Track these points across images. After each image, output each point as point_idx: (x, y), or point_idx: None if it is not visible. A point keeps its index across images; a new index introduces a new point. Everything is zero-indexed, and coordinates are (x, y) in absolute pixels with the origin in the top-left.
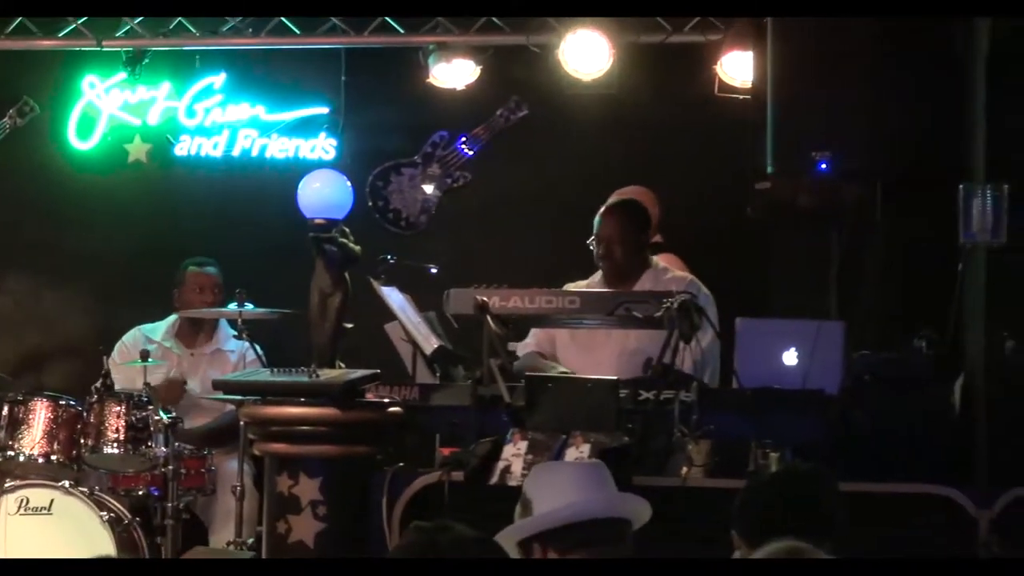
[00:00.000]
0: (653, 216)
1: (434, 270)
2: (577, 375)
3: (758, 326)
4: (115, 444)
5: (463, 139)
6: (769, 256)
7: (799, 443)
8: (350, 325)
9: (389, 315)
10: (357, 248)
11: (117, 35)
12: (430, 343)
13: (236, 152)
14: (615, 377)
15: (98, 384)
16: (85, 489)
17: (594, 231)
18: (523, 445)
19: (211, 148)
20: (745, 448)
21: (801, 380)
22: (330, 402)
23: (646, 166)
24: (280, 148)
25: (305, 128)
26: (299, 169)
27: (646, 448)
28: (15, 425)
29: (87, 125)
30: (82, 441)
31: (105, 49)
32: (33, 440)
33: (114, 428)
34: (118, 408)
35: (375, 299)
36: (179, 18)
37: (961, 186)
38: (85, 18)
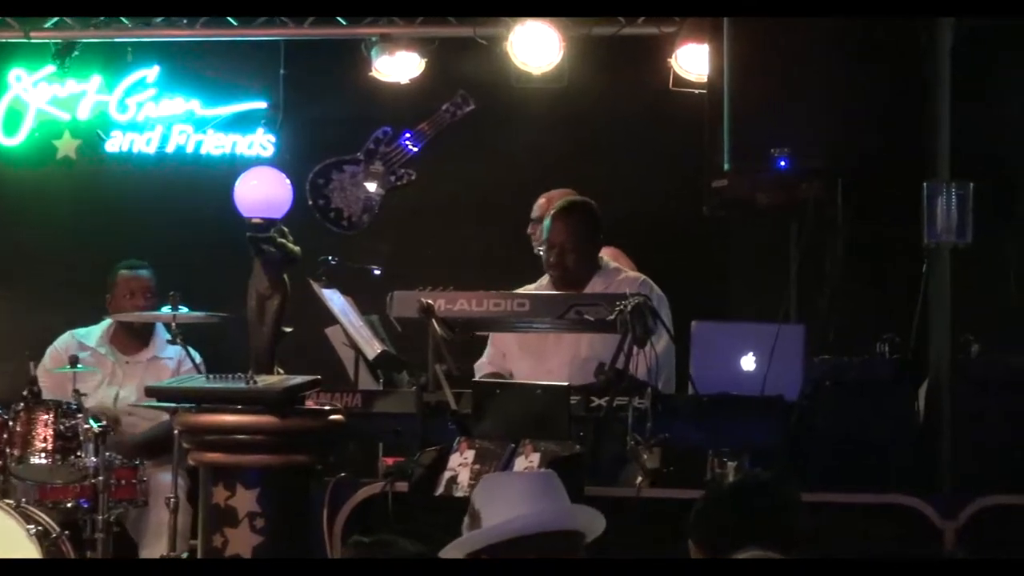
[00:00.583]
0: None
1: (377, 271)
2: (526, 381)
3: (715, 329)
4: (43, 454)
5: (407, 135)
6: (726, 257)
7: (758, 451)
8: (289, 329)
9: (330, 318)
10: (297, 249)
11: (45, 26)
12: (373, 348)
13: (170, 148)
14: (566, 383)
15: (25, 391)
16: (11, 501)
17: (543, 236)
18: (470, 454)
19: (144, 144)
20: (702, 457)
21: (760, 386)
22: (268, 410)
23: (598, 163)
24: (216, 144)
25: (242, 123)
26: (236, 166)
27: (598, 457)
28: None
29: (14, 120)
30: (8, 451)
31: (33, 41)
32: None
33: (42, 437)
34: (46, 416)
35: (315, 302)
36: None
37: (925, 184)
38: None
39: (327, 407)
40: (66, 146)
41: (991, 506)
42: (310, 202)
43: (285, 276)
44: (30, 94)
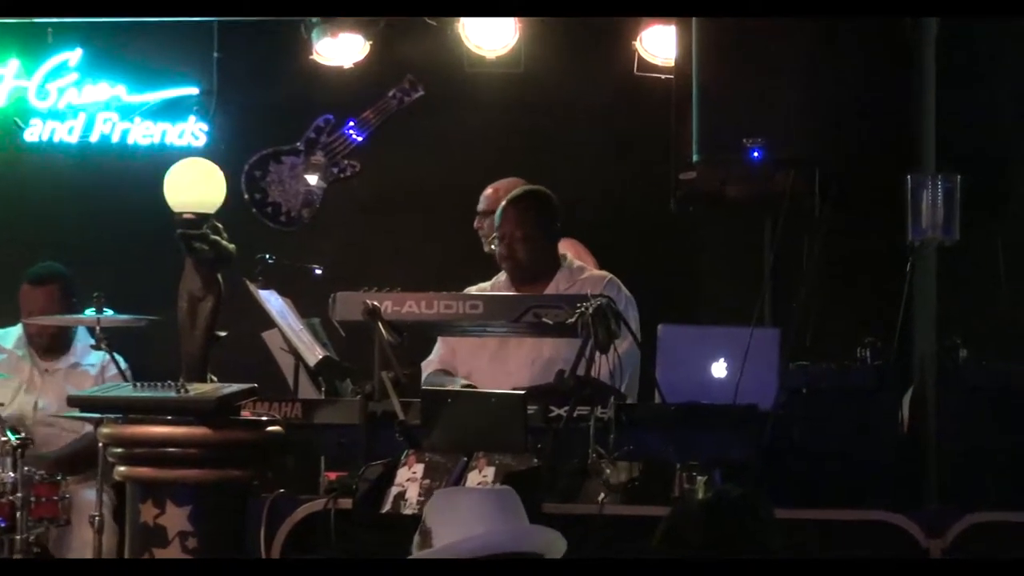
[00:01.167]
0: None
1: (318, 271)
2: (481, 389)
3: (683, 333)
4: None
5: (351, 123)
6: (695, 255)
7: (729, 465)
8: (223, 333)
9: (267, 322)
10: (231, 246)
11: None
12: (314, 353)
13: (94, 138)
14: (523, 391)
15: None
16: None
17: (495, 227)
18: (419, 468)
19: (66, 133)
20: (669, 471)
21: (731, 394)
22: (201, 420)
23: (557, 153)
24: (144, 133)
25: (172, 111)
26: (165, 157)
27: (557, 471)
28: None
29: None
30: None
31: None
32: None
33: None
34: None
35: (252, 304)
36: None
37: (909, 176)
38: None
39: (264, 418)
40: None
41: (980, 523)
42: (246, 196)
43: (219, 276)
44: None
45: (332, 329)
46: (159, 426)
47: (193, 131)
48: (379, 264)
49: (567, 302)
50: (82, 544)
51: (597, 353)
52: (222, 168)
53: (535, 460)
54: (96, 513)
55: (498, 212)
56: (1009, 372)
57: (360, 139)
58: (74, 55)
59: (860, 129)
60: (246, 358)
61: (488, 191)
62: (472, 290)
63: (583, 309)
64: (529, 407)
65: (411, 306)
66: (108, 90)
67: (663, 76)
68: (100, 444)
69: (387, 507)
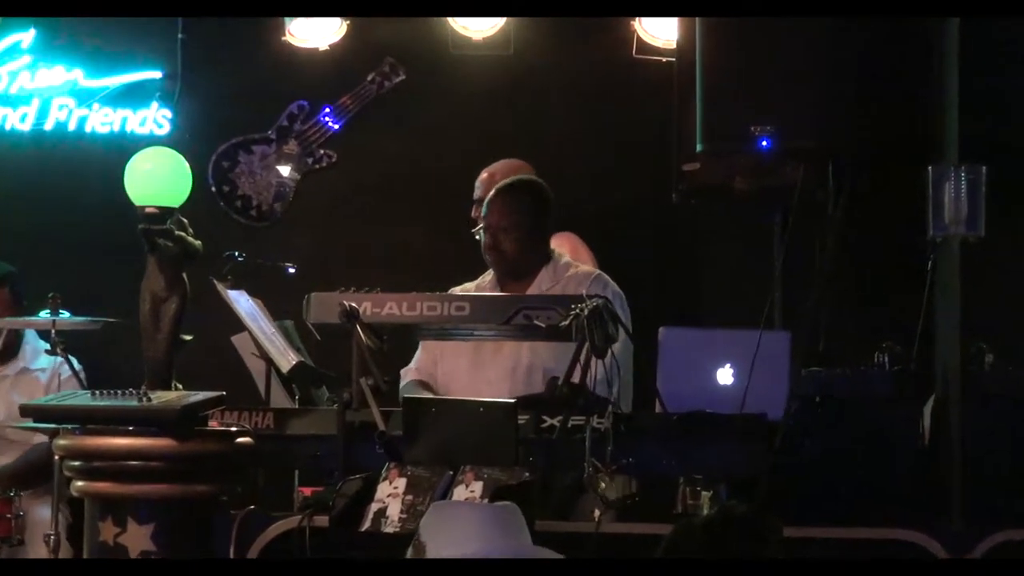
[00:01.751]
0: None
1: (292, 270)
2: (466, 398)
3: (686, 337)
4: None
5: (327, 110)
6: (699, 252)
7: (736, 479)
8: (189, 337)
9: (237, 325)
10: (197, 243)
11: None
12: (287, 358)
13: (49, 125)
14: (512, 399)
15: None
16: None
17: (482, 216)
18: (401, 483)
19: (17, 120)
20: (671, 486)
21: (738, 402)
22: (165, 431)
23: (550, 143)
24: (102, 121)
25: (133, 96)
26: (126, 146)
27: (551, 486)
28: None
29: None
30: None
31: None
32: None
33: None
34: None
35: (220, 305)
36: None
37: (930, 168)
38: None
39: (234, 428)
40: None
41: (1007, 542)
42: (213, 188)
43: (184, 275)
44: None
45: (307, 332)
46: (119, 437)
47: (156, 118)
48: (357, 262)
49: (560, 303)
50: None
51: (593, 359)
52: (187, 158)
53: (527, 474)
54: (51, 532)
55: (485, 201)
56: None
57: (337, 127)
58: (27, 36)
59: (878, 116)
60: (214, 364)
61: (483, 175)
62: (457, 290)
63: (577, 311)
64: (520, 417)
65: (392, 308)
66: (64, 74)
67: (664, 59)
68: (55, 457)
69: (367, 525)
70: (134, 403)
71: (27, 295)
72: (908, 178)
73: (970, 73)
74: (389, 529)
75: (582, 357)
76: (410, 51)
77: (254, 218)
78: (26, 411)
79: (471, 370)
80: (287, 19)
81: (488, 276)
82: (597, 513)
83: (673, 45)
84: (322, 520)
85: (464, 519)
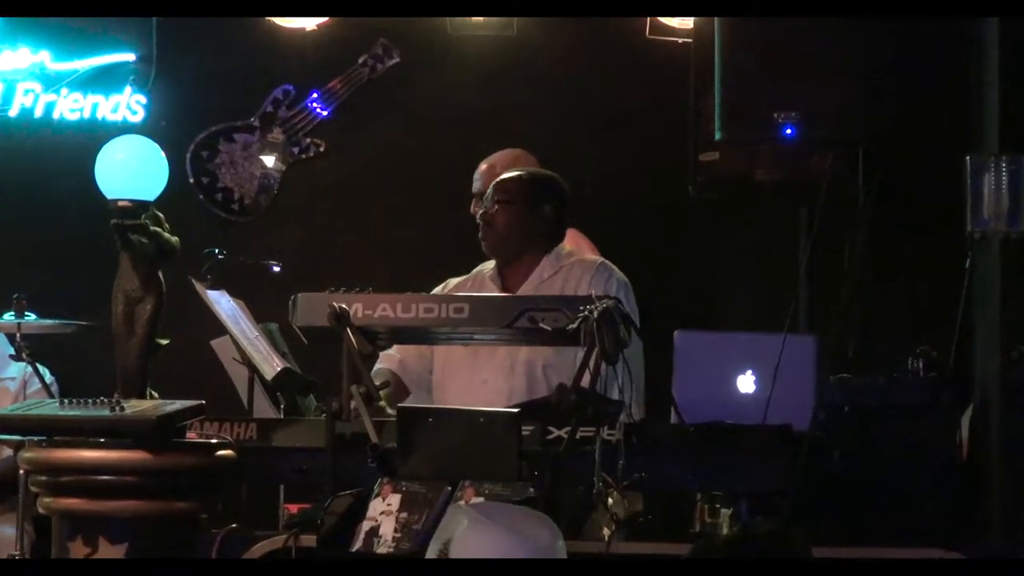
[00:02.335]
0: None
1: (277, 268)
2: (467, 407)
3: (703, 341)
4: None
5: (315, 95)
6: (717, 249)
7: (758, 495)
8: (165, 341)
9: (217, 328)
10: (174, 239)
11: None
12: (271, 364)
13: (13, 112)
14: (515, 409)
15: None
16: None
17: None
18: (395, 500)
19: None
20: (688, 503)
21: (760, 412)
22: (139, 443)
23: (556, 131)
24: (72, 107)
25: (105, 81)
26: (97, 135)
27: (557, 503)
28: None
29: None
30: None
31: None
32: None
33: None
34: None
35: (199, 306)
36: None
37: (968, 158)
38: None
39: (214, 440)
40: None
41: None
42: (191, 180)
43: (160, 274)
44: None
45: (293, 336)
46: (90, 450)
47: (129, 104)
48: (348, 260)
49: (567, 304)
50: None
51: (603, 364)
52: (164, 147)
53: (531, 490)
54: (16, 552)
55: (488, 190)
56: None
57: (325, 113)
58: None
59: (912, 102)
60: (192, 370)
61: (483, 166)
62: (450, 284)
63: (587, 312)
64: (524, 428)
65: (385, 309)
66: (29, 56)
67: (680, 40)
68: (20, 471)
69: (358, 545)
70: (106, 413)
71: None
72: (944, 169)
73: (1012, 53)
74: (382, 550)
75: (591, 363)
76: (405, 32)
77: (236, 212)
78: None
79: (466, 369)
80: None
81: (486, 267)
82: (607, 532)
83: (690, 25)
84: (309, 540)
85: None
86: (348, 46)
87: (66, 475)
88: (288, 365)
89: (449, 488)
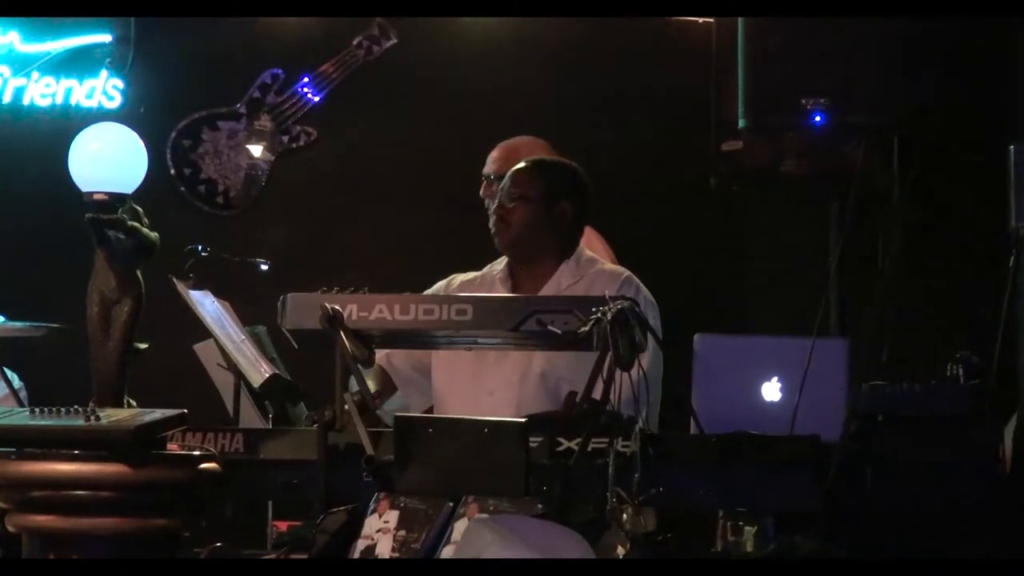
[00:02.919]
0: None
1: (265, 266)
2: (470, 417)
3: (726, 345)
4: None
5: (305, 80)
6: (741, 246)
7: (785, 512)
8: (144, 345)
9: (200, 331)
10: (154, 235)
11: None
12: (259, 371)
13: None
14: (523, 419)
15: None
16: None
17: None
18: (392, 516)
19: None
20: (709, 519)
21: (787, 422)
22: (116, 455)
23: (570, 119)
24: (43, 92)
25: (79, 64)
26: (70, 122)
27: (568, 519)
28: None
29: None
30: None
31: None
32: None
33: None
34: None
35: (181, 308)
36: None
37: (1012, 147)
38: None
39: (196, 452)
40: None
41: None
42: (172, 171)
43: (138, 273)
44: None
45: (282, 340)
46: (63, 463)
47: (105, 89)
48: (341, 258)
49: (579, 306)
50: None
51: (617, 371)
52: (142, 136)
53: (539, 506)
54: None
55: (504, 181)
56: None
57: (317, 99)
58: None
59: (950, 87)
60: (173, 377)
61: (495, 152)
62: (456, 281)
63: (600, 315)
64: (532, 439)
65: (382, 311)
66: None
67: (701, 20)
68: None
69: None
70: (80, 422)
71: None
72: (987, 159)
73: None
74: None
75: (605, 369)
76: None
77: (220, 206)
78: None
79: (471, 380)
80: None
81: (497, 266)
82: (622, 551)
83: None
84: (300, 559)
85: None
86: (341, 26)
87: (37, 490)
88: (277, 371)
89: (451, 504)
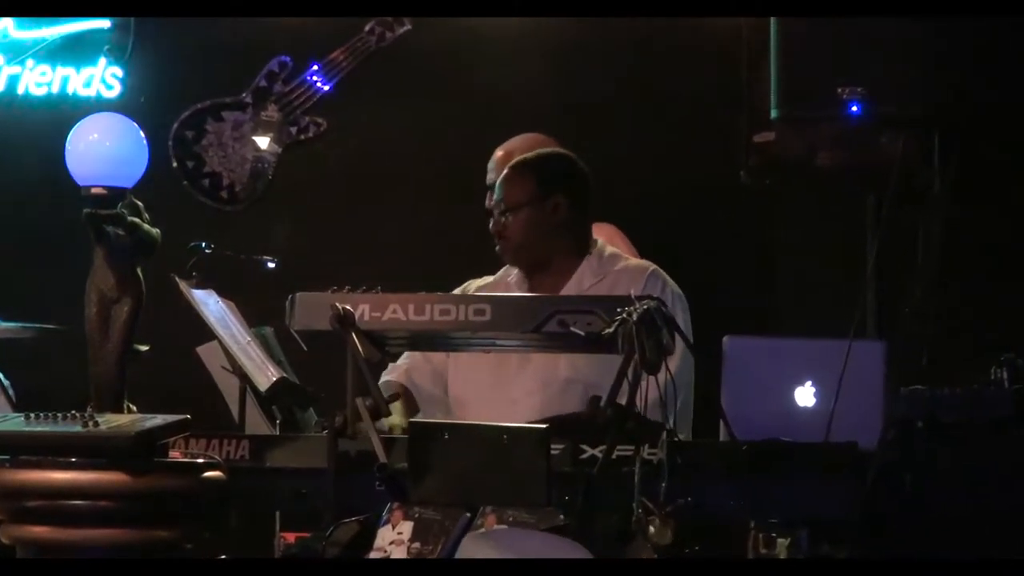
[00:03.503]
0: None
1: (272, 264)
2: (488, 423)
3: (757, 348)
4: None
5: (315, 68)
6: (773, 243)
7: (820, 523)
8: (145, 347)
9: (204, 332)
10: (155, 231)
11: None
12: (266, 374)
13: None
14: (544, 424)
15: None
16: None
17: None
18: (407, 528)
19: None
20: (740, 531)
21: (822, 428)
22: (116, 463)
23: (592, 110)
24: (39, 81)
25: (77, 51)
26: (67, 112)
27: (592, 531)
28: None
29: None
30: None
31: None
32: None
33: None
34: None
35: (184, 308)
36: None
37: None
38: None
39: (200, 459)
40: None
41: None
42: (175, 164)
43: (139, 271)
44: None
45: (290, 342)
46: (59, 471)
47: (104, 78)
48: (352, 255)
49: (603, 305)
50: None
51: (643, 374)
52: (143, 127)
53: (561, 517)
54: None
55: (496, 183)
56: None
57: (327, 88)
58: None
59: (994, 76)
60: (175, 380)
61: (498, 154)
62: (472, 287)
63: (625, 315)
64: (554, 446)
65: (395, 311)
66: None
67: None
68: None
69: None
70: (77, 428)
71: None
72: None
73: None
74: None
75: (630, 372)
76: None
77: (225, 200)
78: None
79: (491, 387)
80: None
81: (514, 269)
82: None
83: None
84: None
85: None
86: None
87: (32, 500)
88: (284, 375)
89: (468, 515)
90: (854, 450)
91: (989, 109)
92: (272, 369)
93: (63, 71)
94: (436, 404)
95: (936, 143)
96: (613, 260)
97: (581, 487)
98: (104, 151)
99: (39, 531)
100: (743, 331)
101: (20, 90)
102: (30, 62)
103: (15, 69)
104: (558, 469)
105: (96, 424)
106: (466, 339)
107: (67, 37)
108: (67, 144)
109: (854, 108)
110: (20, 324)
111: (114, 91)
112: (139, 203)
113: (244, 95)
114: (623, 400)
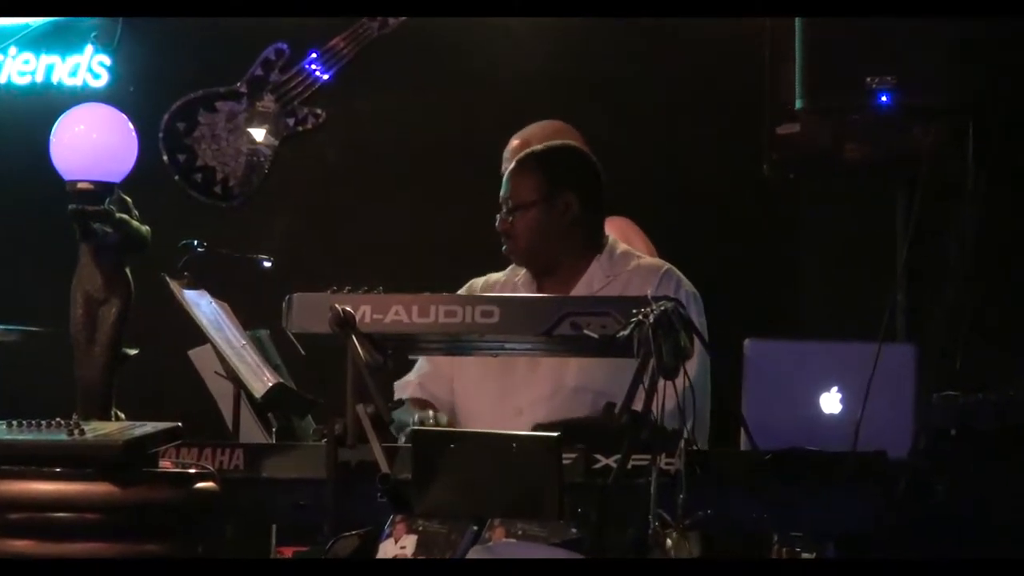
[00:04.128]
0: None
1: (268, 263)
2: (497, 431)
3: (780, 351)
4: None
5: (313, 56)
6: (797, 240)
7: (847, 536)
8: (134, 351)
9: (196, 335)
10: (144, 228)
11: None
12: (261, 379)
13: None
14: (556, 433)
15: None
16: None
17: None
18: (410, 541)
19: None
20: (762, 545)
21: (849, 436)
22: (103, 474)
23: (608, 101)
24: (21, 69)
25: (62, 38)
26: (52, 103)
27: (606, 545)
28: None
29: None
30: None
31: None
32: None
33: None
34: None
35: (175, 309)
36: None
37: None
38: None
39: (192, 469)
40: None
41: None
42: (165, 158)
43: (127, 271)
44: None
45: (287, 345)
46: (44, 482)
47: (91, 66)
48: (352, 254)
49: (617, 307)
50: None
51: (660, 379)
52: (132, 118)
53: (573, 530)
54: None
55: (502, 189)
56: None
57: (326, 77)
58: None
59: None
60: (166, 386)
61: (513, 143)
62: (478, 285)
63: (641, 317)
64: (566, 456)
65: (398, 313)
66: None
67: None
68: None
69: None
70: (63, 437)
71: None
72: None
73: None
74: None
75: (646, 377)
76: None
77: (219, 196)
78: None
79: (496, 395)
80: None
81: (522, 269)
82: None
83: None
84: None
85: None
86: None
87: (15, 512)
88: (281, 380)
89: (475, 528)
90: (883, 460)
91: (1020, 102)
92: (268, 374)
93: (48, 59)
94: (452, 412)
95: (970, 136)
96: (625, 259)
97: (595, 499)
98: (91, 144)
99: (21, 545)
100: (765, 333)
101: (2, 79)
102: (12, 49)
103: None
104: (570, 480)
105: (82, 432)
106: (473, 342)
107: (52, 23)
108: (52, 136)
109: (883, 98)
110: (1, 326)
111: (101, 80)
112: (128, 199)
113: (239, 84)
114: (639, 406)
